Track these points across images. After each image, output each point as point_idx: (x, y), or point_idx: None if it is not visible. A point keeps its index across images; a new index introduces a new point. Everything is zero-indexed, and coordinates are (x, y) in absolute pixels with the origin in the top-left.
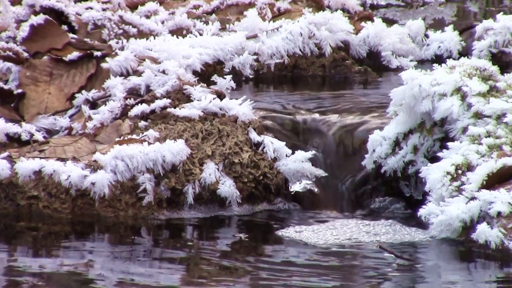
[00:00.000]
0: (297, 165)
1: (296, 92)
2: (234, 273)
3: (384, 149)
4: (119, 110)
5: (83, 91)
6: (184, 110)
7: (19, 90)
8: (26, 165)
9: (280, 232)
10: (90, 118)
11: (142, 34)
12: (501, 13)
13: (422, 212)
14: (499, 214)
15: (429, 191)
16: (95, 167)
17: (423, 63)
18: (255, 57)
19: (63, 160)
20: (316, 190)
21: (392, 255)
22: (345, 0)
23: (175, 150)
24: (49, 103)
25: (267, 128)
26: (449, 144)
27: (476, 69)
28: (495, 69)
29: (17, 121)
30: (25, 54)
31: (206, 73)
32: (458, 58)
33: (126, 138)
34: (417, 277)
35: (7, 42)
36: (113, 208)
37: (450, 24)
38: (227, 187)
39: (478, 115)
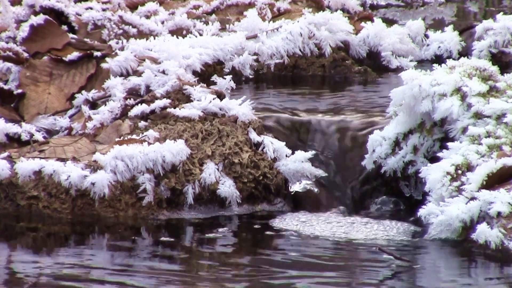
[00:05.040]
0: (297, 165)
1: (296, 92)
2: (234, 273)
3: (384, 149)
4: (119, 110)
5: (83, 91)
6: (184, 110)
7: (19, 90)
8: (26, 165)
9: (279, 232)
10: (90, 118)
11: (142, 34)
12: (501, 13)
13: (422, 212)
14: (499, 214)
15: (429, 191)
16: (95, 167)
17: (423, 63)
18: (255, 57)
19: (63, 160)
20: (316, 190)
21: (392, 256)
22: (345, 0)
23: (175, 150)
24: (49, 103)
25: (267, 128)
26: (449, 144)
27: (476, 69)
28: (495, 69)
29: (17, 121)
30: (25, 54)
31: (206, 73)
32: (458, 58)
33: (126, 138)
34: (416, 278)
35: (7, 42)
36: (113, 208)
37: (450, 24)
38: (227, 187)
39: (478, 115)
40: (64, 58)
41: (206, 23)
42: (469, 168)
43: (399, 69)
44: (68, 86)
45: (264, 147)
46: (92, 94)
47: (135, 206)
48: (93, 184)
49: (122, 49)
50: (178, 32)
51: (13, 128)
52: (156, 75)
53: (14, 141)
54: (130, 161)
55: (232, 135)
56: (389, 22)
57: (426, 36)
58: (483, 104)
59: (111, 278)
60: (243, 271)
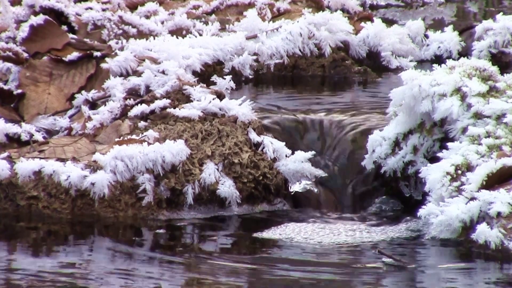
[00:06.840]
0: (297, 166)
1: (296, 92)
2: (234, 273)
3: (383, 149)
4: (119, 111)
5: (83, 92)
6: (183, 111)
7: (19, 91)
8: (26, 166)
9: (279, 232)
10: (89, 118)
11: (142, 34)
12: (501, 13)
13: (422, 212)
14: (498, 214)
15: (429, 191)
16: (94, 167)
17: (422, 63)
18: (254, 57)
19: (62, 160)
20: (315, 190)
21: (391, 259)
22: (345, 0)
23: (174, 150)
24: (49, 104)
25: (267, 128)
26: (449, 144)
27: (475, 69)
28: (494, 69)
29: (17, 121)
30: (25, 55)
31: (206, 74)
32: (458, 58)
33: (125, 138)
34: (416, 278)
35: (7, 43)
36: (112, 209)
37: (450, 24)
38: (227, 188)
39: (478, 116)
40: (64, 58)
41: (206, 23)
42: (469, 168)
43: (399, 69)
44: (68, 86)
45: (264, 147)
46: (92, 94)
47: (135, 206)
48: (93, 184)
49: (122, 49)
50: (178, 32)
51: (13, 128)
52: (156, 75)
53: (14, 141)
54: (130, 161)
55: (232, 135)
56: (389, 22)
57: (426, 36)
58: (483, 104)
59: (111, 278)
60: (243, 271)
